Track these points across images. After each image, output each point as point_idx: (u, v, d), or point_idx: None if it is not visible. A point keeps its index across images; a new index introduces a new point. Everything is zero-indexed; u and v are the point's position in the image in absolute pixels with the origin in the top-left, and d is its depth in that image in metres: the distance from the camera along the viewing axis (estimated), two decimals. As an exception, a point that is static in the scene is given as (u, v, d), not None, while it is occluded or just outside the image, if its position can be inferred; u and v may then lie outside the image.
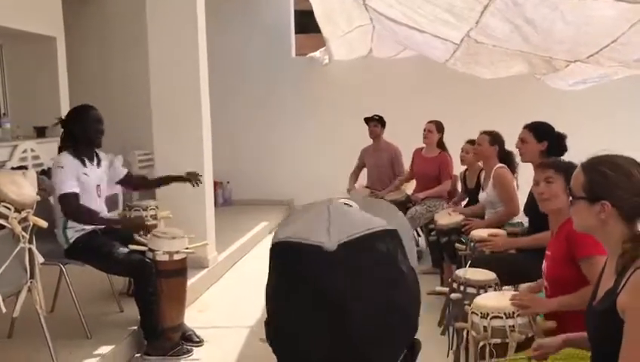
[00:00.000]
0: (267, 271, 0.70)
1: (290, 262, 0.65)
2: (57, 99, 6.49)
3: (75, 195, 3.62)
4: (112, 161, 4.06)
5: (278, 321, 0.67)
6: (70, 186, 3.61)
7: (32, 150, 6.08)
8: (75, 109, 3.86)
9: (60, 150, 3.78)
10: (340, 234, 0.64)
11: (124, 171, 4.16)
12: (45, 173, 6.04)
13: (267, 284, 0.68)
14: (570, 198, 1.86)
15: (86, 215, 3.66)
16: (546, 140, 3.72)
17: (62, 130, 3.82)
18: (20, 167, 5.66)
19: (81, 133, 3.73)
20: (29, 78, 6.46)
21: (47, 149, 6.37)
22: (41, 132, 6.48)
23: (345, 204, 0.74)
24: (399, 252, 0.67)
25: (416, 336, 0.72)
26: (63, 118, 3.84)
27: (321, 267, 0.63)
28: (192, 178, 4.15)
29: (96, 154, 3.89)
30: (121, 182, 4.17)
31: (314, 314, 0.63)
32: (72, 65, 6.90)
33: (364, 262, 0.64)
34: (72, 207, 3.60)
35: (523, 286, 3.18)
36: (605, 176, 1.76)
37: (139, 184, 4.48)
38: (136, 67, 6.84)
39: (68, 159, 3.68)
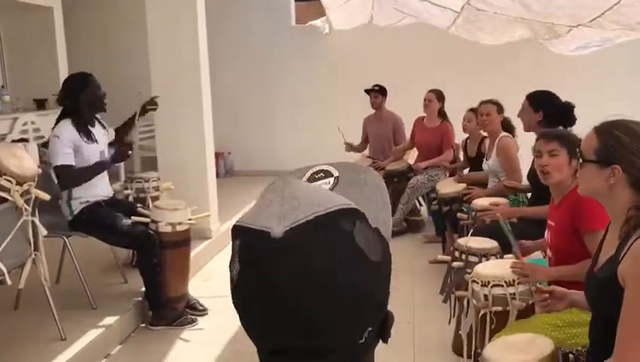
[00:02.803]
0: None
1: (241, 246, 0.65)
2: (56, 71, 6.45)
3: (69, 167, 3.60)
4: (109, 128, 4.04)
5: (234, 297, 0.68)
6: (64, 157, 3.59)
7: (33, 122, 6.07)
8: (74, 79, 3.81)
9: (58, 121, 3.74)
10: (289, 218, 0.63)
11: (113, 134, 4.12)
12: (46, 146, 6.06)
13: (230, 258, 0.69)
14: (580, 161, 1.83)
15: (80, 178, 3.66)
16: (542, 110, 3.65)
17: (63, 102, 3.76)
18: (20, 140, 5.66)
19: (87, 100, 3.70)
20: (28, 49, 6.41)
21: (47, 121, 6.34)
22: (41, 104, 6.46)
23: (321, 171, 0.74)
24: (359, 229, 0.65)
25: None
26: (60, 90, 3.79)
27: (268, 253, 0.62)
28: (147, 105, 4.09)
29: (98, 119, 3.87)
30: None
31: (263, 299, 0.63)
32: (70, 36, 6.84)
33: (314, 246, 0.62)
34: (66, 179, 3.61)
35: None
36: (619, 141, 1.74)
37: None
38: (136, 37, 6.77)
39: (66, 129, 3.65)
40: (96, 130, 3.80)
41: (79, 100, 3.69)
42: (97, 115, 3.87)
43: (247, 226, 0.65)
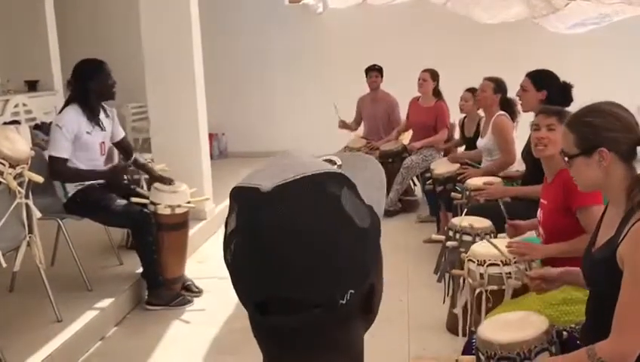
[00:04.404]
0: None
1: (234, 202, 0.71)
2: (47, 52, 6.40)
3: (64, 161, 3.59)
4: (114, 116, 4.00)
5: (226, 254, 0.71)
6: (61, 150, 3.57)
7: (24, 104, 6.03)
8: (85, 66, 3.74)
9: (65, 105, 3.71)
10: (280, 177, 0.68)
11: (122, 134, 4.07)
12: (39, 128, 6.03)
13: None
14: (567, 160, 1.84)
15: (72, 177, 3.65)
16: (545, 89, 3.65)
17: (72, 87, 3.73)
18: (12, 122, 5.62)
19: (96, 88, 3.67)
20: (17, 30, 6.33)
21: (39, 103, 6.31)
22: (32, 86, 6.40)
23: (326, 160, 0.77)
24: (346, 194, 0.69)
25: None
26: (71, 75, 3.73)
27: (257, 205, 0.67)
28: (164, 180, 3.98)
29: (104, 108, 3.85)
30: (115, 144, 4.10)
31: (252, 249, 0.67)
32: (61, 17, 6.76)
33: (300, 201, 0.67)
34: (56, 171, 3.60)
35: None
36: (592, 125, 1.77)
37: (124, 154, 4.18)
38: (128, 18, 6.70)
39: (71, 116, 3.62)
40: (95, 126, 3.75)
41: (88, 88, 3.66)
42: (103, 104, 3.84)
43: (241, 185, 0.71)
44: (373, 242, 0.72)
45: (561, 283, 2.07)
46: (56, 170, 3.59)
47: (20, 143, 3.09)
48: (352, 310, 0.71)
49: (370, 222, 0.71)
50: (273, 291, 0.67)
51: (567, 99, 3.56)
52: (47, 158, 3.64)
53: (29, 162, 3.07)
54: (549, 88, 3.62)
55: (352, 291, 0.69)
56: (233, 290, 0.72)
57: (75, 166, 3.65)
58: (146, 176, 4.53)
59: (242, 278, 0.70)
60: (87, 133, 3.67)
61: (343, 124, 6.36)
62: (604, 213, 1.89)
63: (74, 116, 3.63)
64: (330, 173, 0.70)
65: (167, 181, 3.91)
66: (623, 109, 1.80)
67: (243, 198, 0.70)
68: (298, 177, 0.68)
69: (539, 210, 2.65)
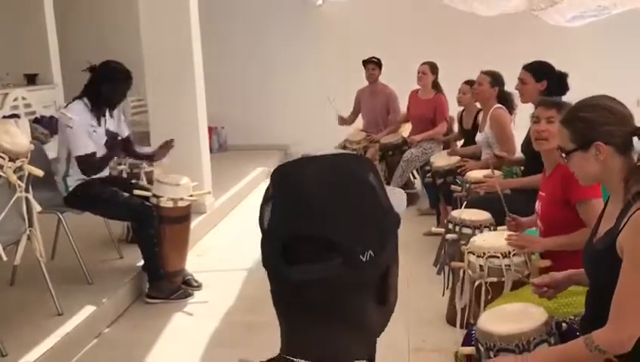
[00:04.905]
0: None
1: (275, 173, 0.78)
2: (46, 46, 6.37)
3: (92, 155, 3.64)
4: (120, 115, 4.00)
5: (263, 211, 0.78)
6: (85, 146, 3.62)
7: (24, 98, 6.01)
8: (112, 68, 3.73)
9: (76, 97, 3.72)
10: (316, 153, 0.78)
11: (127, 132, 4.06)
12: (38, 121, 6.02)
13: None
14: (564, 156, 1.85)
15: (102, 165, 3.74)
16: (545, 79, 3.67)
17: (89, 78, 3.73)
18: (11, 116, 5.61)
19: (108, 94, 3.69)
20: (16, 24, 6.31)
21: (38, 97, 6.29)
22: (31, 79, 6.38)
23: None
24: (372, 178, 0.78)
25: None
26: (92, 69, 3.73)
27: (297, 164, 0.77)
28: (165, 147, 4.04)
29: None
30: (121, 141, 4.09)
31: (287, 194, 0.76)
32: (60, 10, 6.74)
33: (336, 165, 0.77)
34: (90, 166, 3.66)
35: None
36: (586, 120, 1.79)
37: (128, 152, 4.18)
38: (128, 10, 6.69)
39: (77, 111, 3.63)
40: (101, 122, 3.76)
41: (101, 90, 3.67)
42: None
43: (283, 163, 0.79)
44: (393, 226, 0.79)
45: (568, 285, 2.06)
46: (89, 166, 3.65)
47: (20, 137, 3.08)
48: (369, 280, 0.77)
49: (391, 209, 0.79)
50: (302, 228, 0.73)
51: (564, 88, 3.59)
52: (60, 151, 3.70)
53: (29, 156, 3.06)
54: (548, 78, 3.65)
55: (372, 253, 0.74)
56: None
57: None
58: (146, 170, 4.54)
59: (274, 223, 0.75)
60: (92, 126, 3.69)
61: (342, 120, 6.36)
62: (605, 207, 1.89)
63: (80, 111, 3.64)
64: (361, 158, 0.81)
65: (168, 144, 3.98)
66: (617, 102, 1.81)
67: (285, 166, 0.78)
68: (333, 153, 0.78)
69: (537, 202, 2.66)
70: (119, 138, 3.88)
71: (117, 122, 3.93)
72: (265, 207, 0.77)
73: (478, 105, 4.85)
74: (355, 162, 0.78)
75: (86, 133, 3.62)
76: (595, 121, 1.77)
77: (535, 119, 2.73)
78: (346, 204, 0.74)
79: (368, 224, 0.75)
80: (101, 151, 3.74)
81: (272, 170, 0.80)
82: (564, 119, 1.87)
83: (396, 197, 0.82)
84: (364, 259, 0.73)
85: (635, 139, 1.76)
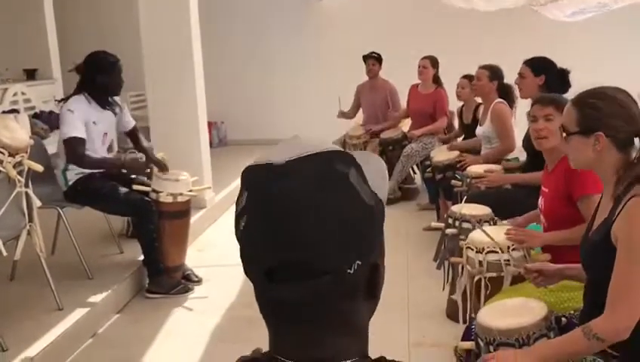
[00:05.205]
0: None
1: (246, 182, 0.75)
2: (46, 41, 6.37)
3: (82, 141, 3.58)
4: (122, 108, 3.99)
5: (238, 227, 0.75)
6: (77, 130, 3.56)
7: (23, 93, 6.01)
8: (100, 58, 3.72)
9: (74, 93, 3.70)
10: (290, 153, 0.72)
11: (132, 123, 4.06)
12: (37, 117, 6.02)
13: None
14: (564, 135, 1.85)
15: (90, 163, 3.64)
16: (544, 74, 3.66)
17: (82, 77, 3.71)
18: (11, 111, 5.61)
19: (103, 83, 3.67)
20: (15, 19, 6.30)
21: (38, 92, 6.29)
22: (31, 74, 6.38)
23: None
24: (353, 175, 0.72)
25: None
26: (83, 63, 3.71)
27: (269, 177, 0.71)
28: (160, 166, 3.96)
29: (108, 101, 3.83)
30: (127, 134, 4.09)
31: (264, 217, 0.70)
32: (59, 5, 6.72)
33: (311, 173, 0.71)
34: (77, 152, 3.56)
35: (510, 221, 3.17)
36: (597, 108, 1.78)
37: (136, 145, 4.16)
38: (127, 5, 6.67)
39: (79, 104, 3.62)
40: (101, 114, 3.75)
41: (96, 81, 3.65)
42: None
43: (253, 164, 0.75)
44: (378, 222, 0.75)
45: (559, 279, 2.07)
46: (75, 151, 3.54)
47: (20, 132, 3.08)
48: (358, 285, 0.74)
49: (375, 203, 0.74)
50: (285, 255, 0.70)
51: (565, 85, 3.57)
52: (59, 144, 3.64)
53: (29, 151, 3.06)
54: (547, 73, 3.64)
55: (359, 262, 0.71)
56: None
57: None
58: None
59: (254, 246, 0.73)
60: (94, 122, 3.67)
61: (342, 114, 6.36)
62: (600, 201, 1.89)
63: (82, 105, 3.63)
64: (340, 153, 0.74)
65: (163, 167, 3.89)
66: (631, 100, 1.80)
67: (255, 175, 0.73)
68: (309, 153, 0.72)
69: (540, 197, 2.65)
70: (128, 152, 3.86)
71: (120, 113, 3.91)
72: (239, 220, 0.74)
73: (478, 99, 4.84)
74: (334, 161, 0.73)
75: (82, 122, 3.58)
76: (605, 112, 1.76)
77: (532, 118, 2.71)
78: (328, 223, 0.69)
79: (354, 236, 0.71)
80: (94, 146, 3.70)
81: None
82: (576, 100, 1.85)
83: (376, 175, 0.77)
84: (352, 271, 0.71)
85: (636, 139, 1.75)
